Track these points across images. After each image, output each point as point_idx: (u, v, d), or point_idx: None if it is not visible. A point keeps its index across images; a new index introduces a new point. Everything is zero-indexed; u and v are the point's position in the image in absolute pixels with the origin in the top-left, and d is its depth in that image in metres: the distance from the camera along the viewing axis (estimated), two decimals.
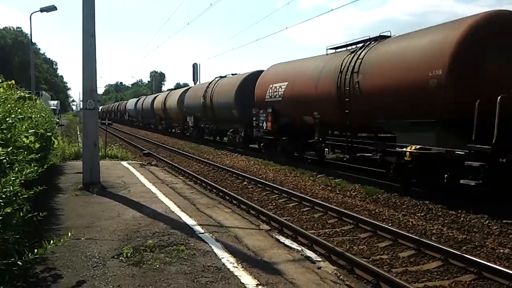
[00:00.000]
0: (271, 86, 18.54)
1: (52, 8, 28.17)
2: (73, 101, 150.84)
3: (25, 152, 4.56)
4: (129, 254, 5.48)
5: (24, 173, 4.01)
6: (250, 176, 15.15)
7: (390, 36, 13.24)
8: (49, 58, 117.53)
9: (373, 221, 8.94)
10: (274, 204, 11.52)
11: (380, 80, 11.94)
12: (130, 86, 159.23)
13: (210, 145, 27.71)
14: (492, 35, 9.69)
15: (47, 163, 7.60)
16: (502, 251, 7.40)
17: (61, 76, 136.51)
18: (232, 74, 27.03)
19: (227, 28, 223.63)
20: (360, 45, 13.87)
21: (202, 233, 6.64)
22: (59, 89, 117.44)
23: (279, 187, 13.04)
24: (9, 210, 3.59)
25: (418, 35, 11.72)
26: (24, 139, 4.54)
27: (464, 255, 6.79)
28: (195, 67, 53.24)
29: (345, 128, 14.26)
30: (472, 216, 9.10)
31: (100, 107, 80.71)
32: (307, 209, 10.71)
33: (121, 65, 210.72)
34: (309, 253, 6.29)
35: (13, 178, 3.82)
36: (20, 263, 3.77)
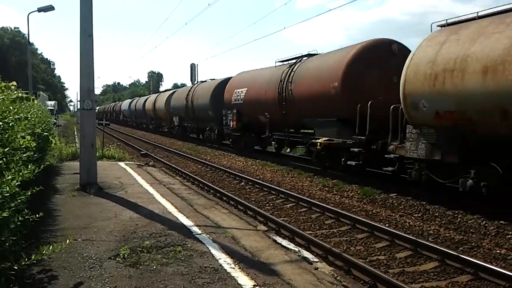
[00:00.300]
0: (235, 91, 22.12)
1: (50, 8, 28.13)
2: (71, 101, 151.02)
3: (22, 153, 4.54)
4: (126, 255, 5.47)
5: (21, 173, 4.00)
6: (248, 177, 15.16)
7: (316, 54, 17.07)
8: (47, 58, 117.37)
9: (370, 222, 8.95)
10: (271, 204, 11.52)
11: (304, 88, 15.77)
12: (127, 86, 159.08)
13: (194, 142, 30.60)
14: (370, 59, 13.40)
15: (44, 163, 7.57)
16: (498, 251, 7.42)
17: (59, 76, 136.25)
18: (211, 79, 30.41)
19: (225, 28, 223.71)
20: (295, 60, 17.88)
21: (199, 234, 6.64)
22: (56, 89, 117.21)
23: (277, 187, 13.05)
24: (6, 214, 3.58)
25: (330, 55, 15.89)
26: (21, 140, 4.53)
27: (461, 255, 6.80)
28: (193, 67, 53.32)
29: (285, 126, 17.97)
30: (468, 217, 9.11)
31: (97, 108, 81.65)
32: (305, 209, 10.72)
33: (118, 65, 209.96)
34: (306, 254, 6.30)
35: (10, 178, 3.81)
36: (16, 268, 3.77)
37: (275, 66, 19.50)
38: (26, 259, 3.78)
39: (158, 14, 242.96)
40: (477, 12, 9.99)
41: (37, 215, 4.06)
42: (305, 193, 12.76)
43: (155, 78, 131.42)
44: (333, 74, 13.98)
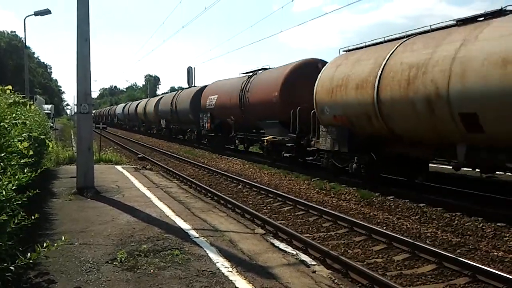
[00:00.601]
0: (209, 97, 25.94)
1: (46, 12, 28.14)
2: (67, 105, 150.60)
3: (19, 157, 4.54)
4: (123, 259, 5.46)
5: (17, 177, 3.99)
6: (245, 180, 15.15)
7: (268, 68, 21.17)
8: (43, 62, 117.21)
9: (367, 225, 8.95)
10: (269, 207, 11.51)
11: (257, 97, 19.75)
12: (124, 89, 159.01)
13: (179, 142, 34.29)
14: (301, 74, 17.17)
15: (40, 167, 7.56)
16: (496, 254, 7.43)
17: (55, 80, 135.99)
18: (193, 86, 36.48)
19: (222, 31, 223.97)
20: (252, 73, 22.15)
21: (197, 237, 6.63)
22: (53, 93, 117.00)
23: (274, 190, 13.04)
24: (4, 218, 3.57)
25: (274, 70, 20.11)
26: (18, 144, 4.52)
27: (458, 258, 6.80)
28: (189, 70, 53.25)
29: (245, 127, 22.10)
30: (466, 219, 9.13)
31: (94, 111, 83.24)
32: (302, 212, 10.71)
33: (115, 68, 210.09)
34: (304, 257, 6.30)
35: (6, 182, 3.80)
36: (12, 268, 3.75)
37: (239, 77, 23.47)
38: (23, 258, 3.76)
39: (155, 17, 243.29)
40: (365, 42, 13.59)
41: (33, 217, 4.04)
42: (303, 196, 12.76)
43: (152, 81, 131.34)
44: (275, 85, 18.05)
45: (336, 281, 5.38)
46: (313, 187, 13.78)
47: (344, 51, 14.46)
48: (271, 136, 18.39)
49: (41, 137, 7.17)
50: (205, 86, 28.65)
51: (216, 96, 24.84)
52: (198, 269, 5.20)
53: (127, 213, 8.08)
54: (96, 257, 5.55)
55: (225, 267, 5.33)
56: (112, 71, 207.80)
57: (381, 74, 11.34)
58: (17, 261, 3.76)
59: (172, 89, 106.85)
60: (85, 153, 10.25)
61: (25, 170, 4.30)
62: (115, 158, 18.89)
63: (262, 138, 19.23)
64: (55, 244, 4.10)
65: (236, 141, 23.66)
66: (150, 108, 43.99)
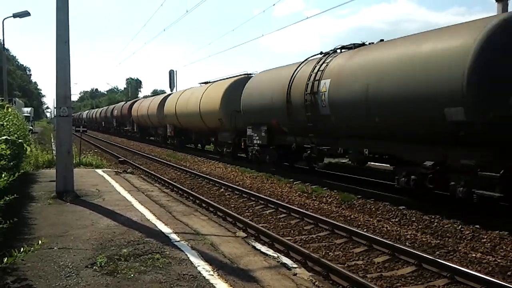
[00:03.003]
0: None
1: (26, 14, 27.78)
2: (47, 108, 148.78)
3: None
4: (103, 264, 5.41)
5: None
6: (227, 183, 15.13)
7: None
8: (23, 65, 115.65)
9: (348, 227, 9.02)
10: (251, 211, 11.52)
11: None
12: (105, 92, 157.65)
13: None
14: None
15: (19, 171, 7.45)
16: (474, 255, 7.54)
17: (35, 83, 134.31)
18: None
19: (204, 35, 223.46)
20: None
21: (178, 241, 6.61)
22: (33, 95, 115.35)
23: (256, 194, 13.05)
24: None
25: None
26: None
27: (438, 259, 6.89)
28: (171, 73, 53.07)
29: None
30: (445, 221, 9.25)
31: (74, 114, 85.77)
32: (284, 215, 10.74)
33: (96, 71, 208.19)
34: (285, 259, 6.31)
35: None
36: None
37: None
38: None
39: (136, 20, 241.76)
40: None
41: (10, 221, 3.98)
42: (285, 199, 12.79)
43: (134, 84, 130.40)
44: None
45: (317, 283, 5.41)
46: (295, 190, 13.82)
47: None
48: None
49: (19, 140, 7.08)
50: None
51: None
52: (179, 273, 5.17)
53: (107, 217, 8.00)
54: (75, 262, 5.49)
55: (206, 270, 5.32)
56: (93, 74, 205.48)
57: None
58: None
59: (155, 92, 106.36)
60: (65, 157, 10.13)
61: (4, 174, 4.25)
62: (96, 162, 18.69)
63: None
64: (32, 248, 4.04)
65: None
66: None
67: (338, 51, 13.90)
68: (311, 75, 13.66)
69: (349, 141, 12.87)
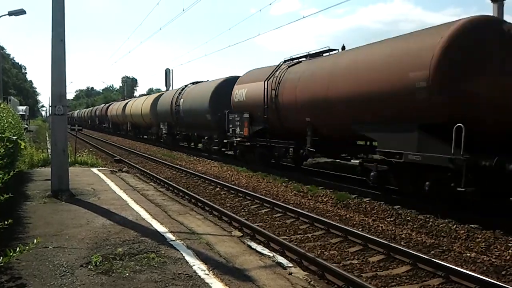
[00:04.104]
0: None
1: (21, 12, 27.61)
2: (43, 106, 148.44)
3: None
4: (98, 263, 5.39)
5: None
6: (223, 182, 15.13)
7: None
8: (18, 63, 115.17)
9: (344, 227, 9.03)
10: (246, 210, 11.52)
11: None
12: (101, 91, 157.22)
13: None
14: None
15: (14, 169, 7.42)
16: (469, 255, 7.57)
17: (30, 81, 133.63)
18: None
19: (201, 34, 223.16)
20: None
21: (173, 240, 6.60)
22: (28, 94, 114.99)
23: (252, 193, 13.05)
24: None
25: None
26: None
27: (432, 259, 6.92)
28: (167, 72, 53.01)
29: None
30: (440, 221, 9.28)
31: (69, 113, 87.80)
32: (279, 215, 10.75)
33: (92, 70, 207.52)
34: (280, 259, 6.32)
35: None
36: None
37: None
38: None
39: (132, 19, 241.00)
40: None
41: (5, 222, 3.97)
42: (280, 198, 12.80)
43: (129, 83, 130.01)
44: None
45: (312, 282, 5.41)
46: (291, 189, 13.84)
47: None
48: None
49: (14, 137, 7.04)
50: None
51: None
52: (174, 272, 5.17)
53: (103, 216, 7.98)
54: (70, 261, 5.48)
55: (202, 270, 5.31)
56: (89, 72, 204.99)
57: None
58: None
59: (150, 91, 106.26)
60: (60, 155, 10.09)
61: None
62: (91, 161, 18.65)
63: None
64: (27, 248, 4.03)
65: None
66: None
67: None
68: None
69: None
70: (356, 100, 11.56)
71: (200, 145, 26.87)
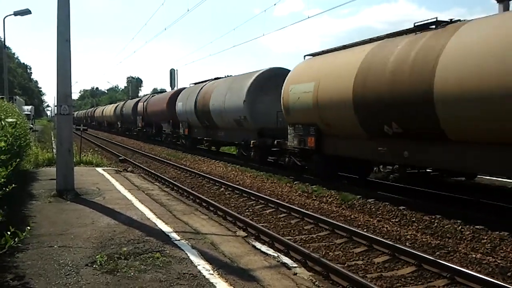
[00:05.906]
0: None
1: (26, 12, 27.76)
2: (48, 106, 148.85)
3: None
4: (103, 262, 5.40)
5: None
6: (227, 183, 15.13)
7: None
8: (23, 63, 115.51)
9: (348, 227, 9.01)
10: (251, 210, 11.52)
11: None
12: (106, 91, 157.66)
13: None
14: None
15: (19, 168, 7.44)
16: (474, 256, 7.53)
17: (36, 81, 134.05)
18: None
19: (205, 34, 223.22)
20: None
21: (178, 240, 6.60)
22: (33, 94, 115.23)
23: (256, 193, 13.05)
24: None
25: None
26: None
27: (438, 260, 6.88)
28: (172, 72, 53.11)
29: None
30: (445, 222, 9.23)
31: (75, 113, 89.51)
32: (284, 215, 10.73)
33: (97, 70, 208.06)
34: (285, 259, 6.31)
35: None
36: None
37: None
38: None
39: (137, 19, 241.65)
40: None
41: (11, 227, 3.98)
42: (285, 198, 12.79)
43: (134, 83, 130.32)
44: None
45: (317, 283, 5.39)
46: (295, 190, 13.82)
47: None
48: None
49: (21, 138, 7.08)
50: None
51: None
52: (179, 272, 5.17)
53: (108, 216, 8.00)
54: (75, 260, 5.48)
55: (206, 269, 5.31)
56: (94, 72, 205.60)
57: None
58: None
59: (155, 91, 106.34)
60: (65, 155, 10.12)
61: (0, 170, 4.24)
62: (96, 160, 18.68)
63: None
64: (24, 233, 4.07)
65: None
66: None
67: None
68: None
69: None
70: None
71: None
